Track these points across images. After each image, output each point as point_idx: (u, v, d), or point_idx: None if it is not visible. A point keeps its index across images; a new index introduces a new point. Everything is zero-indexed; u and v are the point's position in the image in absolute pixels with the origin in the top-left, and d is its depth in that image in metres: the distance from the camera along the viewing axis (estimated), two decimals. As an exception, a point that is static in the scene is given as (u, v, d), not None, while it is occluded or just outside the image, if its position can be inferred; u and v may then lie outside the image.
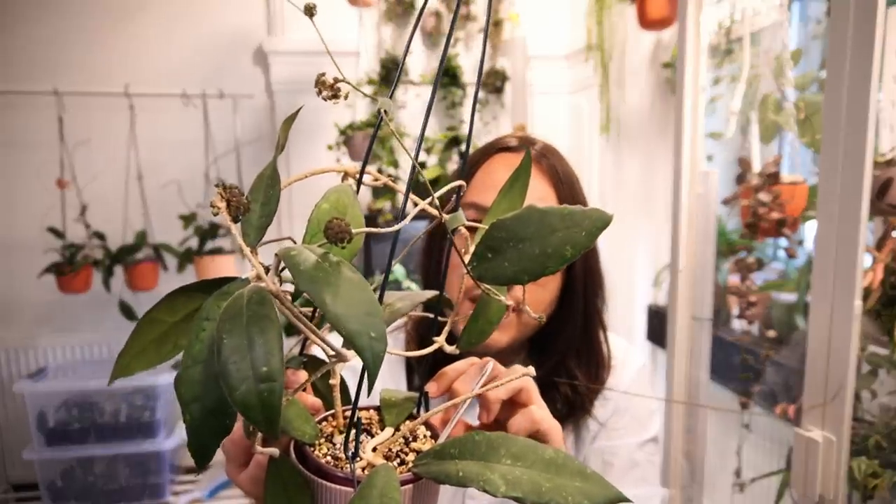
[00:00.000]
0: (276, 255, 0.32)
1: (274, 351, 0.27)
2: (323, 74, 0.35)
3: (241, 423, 0.39)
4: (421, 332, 0.76)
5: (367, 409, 0.45)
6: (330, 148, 2.24)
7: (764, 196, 1.10)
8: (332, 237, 0.29)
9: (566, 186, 0.71)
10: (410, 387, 0.76)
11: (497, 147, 0.75)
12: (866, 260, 0.81)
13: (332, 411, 0.42)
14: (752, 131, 1.23)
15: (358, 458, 0.38)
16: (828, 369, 0.73)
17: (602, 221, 0.36)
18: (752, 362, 1.24)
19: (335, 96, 0.35)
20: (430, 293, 0.46)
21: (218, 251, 2.21)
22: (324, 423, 0.42)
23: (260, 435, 0.35)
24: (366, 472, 0.37)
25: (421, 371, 0.76)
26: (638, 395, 0.78)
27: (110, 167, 2.23)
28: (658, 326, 2.03)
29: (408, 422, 0.44)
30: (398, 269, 2.23)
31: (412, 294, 0.45)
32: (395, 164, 2.28)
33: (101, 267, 2.15)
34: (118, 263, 2.17)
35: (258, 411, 0.26)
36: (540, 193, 0.70)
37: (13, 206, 2.32)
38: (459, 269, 0.71)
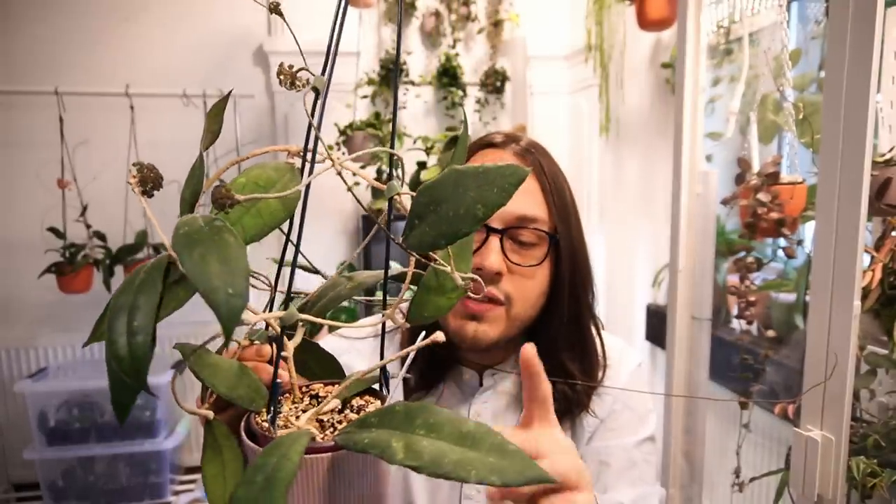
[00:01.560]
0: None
1: (146, 309, 0.29)
2: (285, 64, 0.35)
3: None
4: (414, 332, 0.76)
5: (333, 383, 0.45)
6: (330, 148, 2.24)
7: (763, 196, 1.10)
8: (216, 202, 0.31)
9: (550, 180, 0.72)
10: (407, 386, 0.76)
11: (481, 143, 0.76)
12: (865, 260, 0.81)
13: (290, 387, 0.42)
14: (751, 131, 1.23)
15: (288, 425, 0.39)
16: (827, 369, 0.73)
17: (516, 177, 0.35)
18: (752, 362, 1.24)
19: (293, 84, 0.36)
20: (398, 270, 0.47)
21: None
22: (285, 396, 0.43)
23: (210, 398, 0.38)
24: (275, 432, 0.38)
25: (415, 370, 0.76)
26: (635, 391, 0.78)
27: (111, 167, 2.23)
28: (657, 326, 2.03)
29: (368, 398, 0.44)
30: (397, 267, 2.23)
31: (377, 272, 0.46)
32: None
33: (101, 267, 2.15)
34: (119, 263, 2.17)
35: (127, 362, 0.28)
36: (525, 186, 0.70)
37: (13, 206, 2.32)
38: None
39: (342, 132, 2.20)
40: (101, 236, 2.19)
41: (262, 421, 0.39)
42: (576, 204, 0.75)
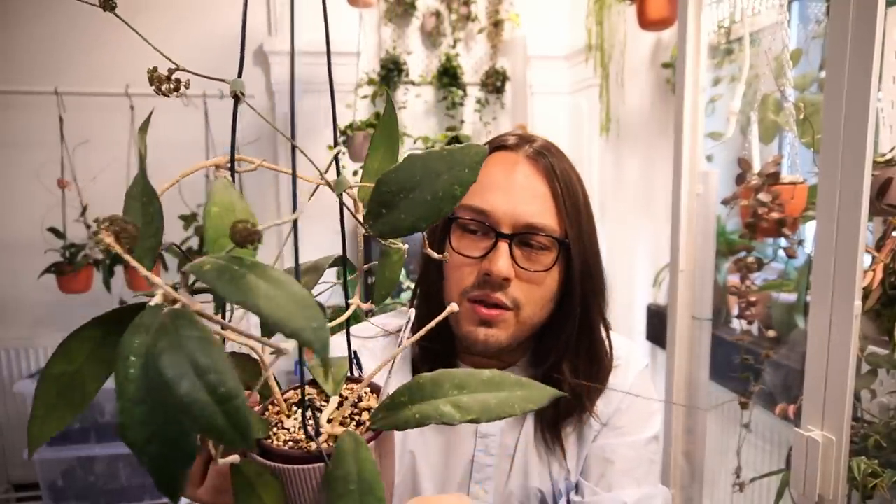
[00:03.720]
0: (182, 272, 0.31)
1: (225, 369, 0.26)
2: (154, 69, 0.34)
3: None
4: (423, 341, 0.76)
5: (304, 385, 0.45)
6: (330, 148, 2.24)
7: (764, 196, 1.10)
8: (241, 241, 0.29)
9: (562, 184, 0.71)
10: None
11: (495, 145, 0.74)
12: (866, 260, 0.81)
13: (270, 399, 0.42)
14: (752, 131, 1.23)
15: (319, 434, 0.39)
16: (827, 369, 0.73)
17: (479, 154, 0.38)
18: (752, 362, 1.24)
19: (177, 89, 0.35)
20: (332, 256, 0.46)
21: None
22: (266, 414, 0.42)
23: (220, 447, 0.36)
24: (329, 444, 0.37)
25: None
26: (641, 396, 0.78)
27: (111, 167, 2.23)
28: (658, 326, 2.03)
29: (352, 386, 0.45)
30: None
31: (318, 262, 0.45)
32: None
33: (101, 267, 2.15)
34: (119, 263, 2.17)
35: (231, 432, 0.26)
36: (535, 190, 0.70)
37: (13, 206, 2.32)
38: (458, 271, 0.71)
39: (342, 132, 2.20)
40: (102, 236, 2.19)
41: (285, 442, 0.39)
42: (590, 206, 0.74)
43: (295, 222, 0.36)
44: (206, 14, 2.36)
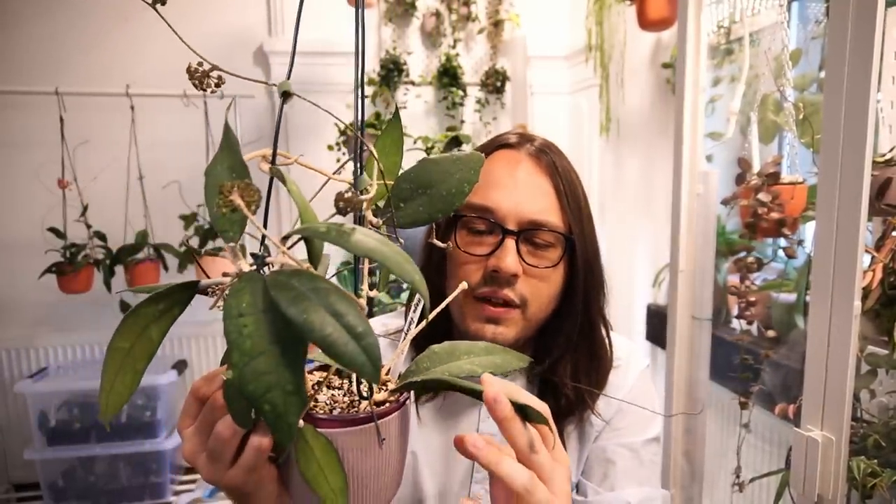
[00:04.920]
0: (284, 237, 0.35)
1: (357, 312, 0.30)
2: (199, 65, 0.36)
3: (227, 419, 0.40)
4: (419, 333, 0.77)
5: (315, 370, 0.49)
6: (330, 148, 2.24)
7: (763, 196, 1.10)
8: (344, 208, 0.35)
9: (564, 181, 0.72)
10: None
11: (496, 144, 0.75)
12: (865, 260, 0.81)
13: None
14: (751, 131, 1.23)
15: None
16: (827, 369, 0.73)
17: (481, 160, 0.46)
18: (752, 362, 1.24)
19: (201, 84, 0.37)
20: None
21: (219, 251, 2.21)
22: None
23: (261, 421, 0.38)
24: (370, 408, 0.41)
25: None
26: (636, 404, 0.78)
27: (111, 167, 2.23)
28: (658, 326, 2.03)
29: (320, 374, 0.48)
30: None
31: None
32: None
33: (101, 267, 2.15)
34: (119, 263, 2.17)
35: (369, 366, 0.30)
36: (539, 187, 0.71)
37: (14, 206, 2.32)
38: (463, 269, 0.71)
39: (342, 132, 2.20)
40: (102, 236, 2.19)
41: (325, 411, 0.42)
42: (589, 205, 0.75)
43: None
44: (207, 14, 2.36)
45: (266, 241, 0.35)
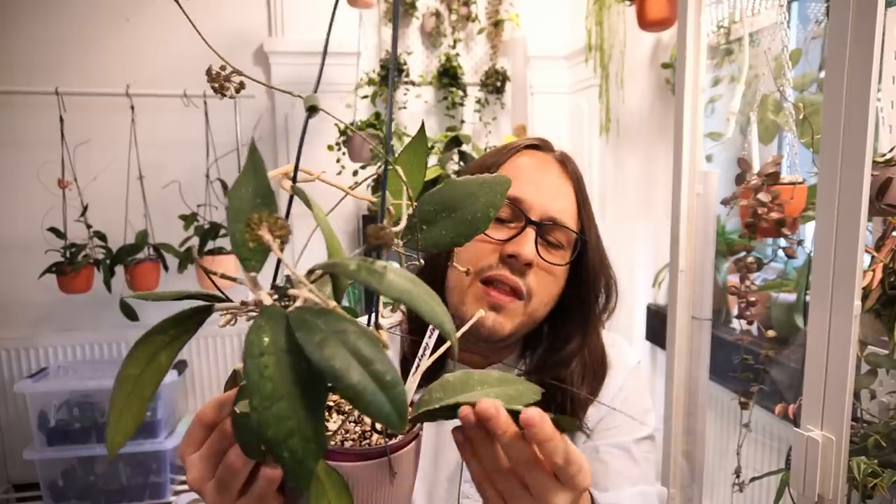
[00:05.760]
0: (309, 271, 0.34)
1: (385, 360, 0.29)
2: (222, 69, 0.35)
3: (237, 448, 0.38)
4: (412, 329, 0.77)
5: None
6: (330, 148, 2.24)
7: (763, 196, 1.10)
8: (376, 243, 0.33)
9: (582, 190, 0.77)
10: None
11: (524, 144, 0.79)
12: (865, 260, 0.81)
13: None
14: (751, 131, 1.23)
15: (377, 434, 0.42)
16: (827, 369, 0.73)
17: (506, 185, 0.44)
18: (752, 362, 1.24)
19: (222, 89, 0.36)
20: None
21: (219, 251, 2.21)
22: None
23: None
24: (379, 443, 0.40)
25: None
26: (619, 411, 0.78)
27: (111, 167, 2.23)
28: (658, 326, 2.03)
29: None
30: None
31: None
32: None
33: (101, 267, 2.15)
34: (119, 263, 2.17)
35: (395, 416, 0.28)
36: (564, 191, 0.75)
37: (14, 206, 2.32)
38: (476, 251, 0.71)
39: (342, 132, 2.20)
40: (102, 236, 2.19)
41: (336, 443, 0.41)
42: (594, 216, 0.79)
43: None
44: (207, 14, 2.36)
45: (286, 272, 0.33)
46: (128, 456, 2.13)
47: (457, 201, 0.43)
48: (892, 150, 0.91)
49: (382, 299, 0.45)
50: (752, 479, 1.23)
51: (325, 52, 0.40)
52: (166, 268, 2.25)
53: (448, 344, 0.46)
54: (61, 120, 2.13)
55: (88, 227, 2.17)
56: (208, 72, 0.34)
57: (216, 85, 0.34)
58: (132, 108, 2.20)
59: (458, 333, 0.45)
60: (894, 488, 0.81)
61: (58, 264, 2.09)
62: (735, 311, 1.22)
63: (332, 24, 0.40)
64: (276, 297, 0.33)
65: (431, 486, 0.75)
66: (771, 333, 1.28)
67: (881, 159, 0.89)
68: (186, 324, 0.35)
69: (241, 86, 0.35)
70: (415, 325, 0.76)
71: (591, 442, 0.76)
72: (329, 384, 0.29)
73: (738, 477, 1.27)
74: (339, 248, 0.37)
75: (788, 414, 1.11)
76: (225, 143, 2.33)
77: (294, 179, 0.37)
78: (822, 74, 1.20)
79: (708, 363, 1.25)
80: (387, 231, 0.32)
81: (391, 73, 0.39)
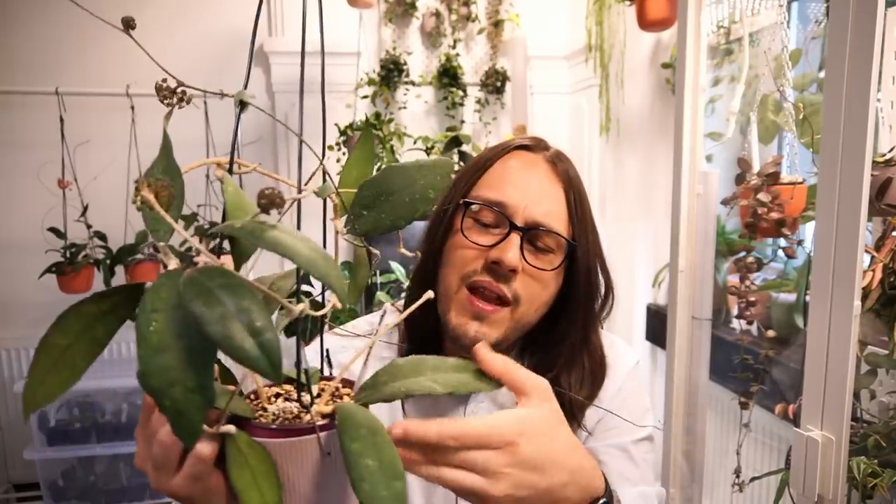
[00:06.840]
0: (205, 235, 0.36)
1: (257, 308, 0.30)
2: (164, 81, 0.37)
3: (168, 426, 0.38)
4: (412, 331, 0.76)
5: (280, 384, 0.47)
6: (330, 148, 2.24)
7: (763, 196, 1.10)
8: (267, 205, 0.33)
9: (575, 191, 0.73)
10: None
11: (514, 145, 0.77)
12: (865, 260, 0.81)
13: (248, 394, 0.44)
14: (751, 131, 1.23)
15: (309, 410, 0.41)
16: (827, 369, 0.73)
17: (449, 166, 0.46)
18: (752, 362, 1.24)
19: (184, 101, 0.38)
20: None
21: (221, 251, 2.21)
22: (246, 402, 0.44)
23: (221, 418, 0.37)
24: (318, 419, 0.39)
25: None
26: (616, 413, 0.77)
27: (111, 167, 2.23)
28: (658, 326, 2.03)
29: (326, 382, 0.47)
30: (398, 269, 2.23)
31: (290, 272, 0.47)
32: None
33: (102, 267, 2.15)
34: (119, 263, 2.17)
35: (264, 362, 0.29)
36: (552, 193, 0.72)
37: (14, 206, 2.32)
38: (462, 256, 0.71)
39: (342, 132, 2.20)
40: (102, 236, 2.19)
41: (267, 421, 0.40)
42: (593, 218, 0.76)
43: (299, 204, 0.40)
44: (207, 14, 2.36)
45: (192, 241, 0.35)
46: (128, 456, 2.13)
47: (394, 185, 0.44)
48: (891, 150, 0.91)
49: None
50: (752, 479, 1.23)
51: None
52: (166, 268, 2.25)
53: (404, 315, 0.49)
54: (61, 120, 2.13)
55: (88, 227, 2.16)
56: (157, 88, 0.36)
57: (161, 97, 0.36)
58: (132, 108, 2.19)
59: (403, 316, 0.50)
60: (894, 488, 0.81)
61: (58, 264, 2.09)
62: (735, 311, 1.22)
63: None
64: (182, 263, 0.35)
65: (428, 487, 0.75)
66: (771, 333, 1.28)
67: (881, 159, 0.89)
68: (117, 297, 0.36)
69: (186, 97, 0.37)
70: (413, 328, 0.76)
71: (590, 442, 0.76)
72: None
73: (738, 477, 1.27)
74: (242, 216, 0.38)
75: (788, 414, 1.11)
76: (225, 144, 2.33)
77: (230, 169, 0.39)
78: (822, 74, 1.20)
79: (708, 363, 1.25)
80: (275, 192, 0.33)
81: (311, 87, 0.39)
